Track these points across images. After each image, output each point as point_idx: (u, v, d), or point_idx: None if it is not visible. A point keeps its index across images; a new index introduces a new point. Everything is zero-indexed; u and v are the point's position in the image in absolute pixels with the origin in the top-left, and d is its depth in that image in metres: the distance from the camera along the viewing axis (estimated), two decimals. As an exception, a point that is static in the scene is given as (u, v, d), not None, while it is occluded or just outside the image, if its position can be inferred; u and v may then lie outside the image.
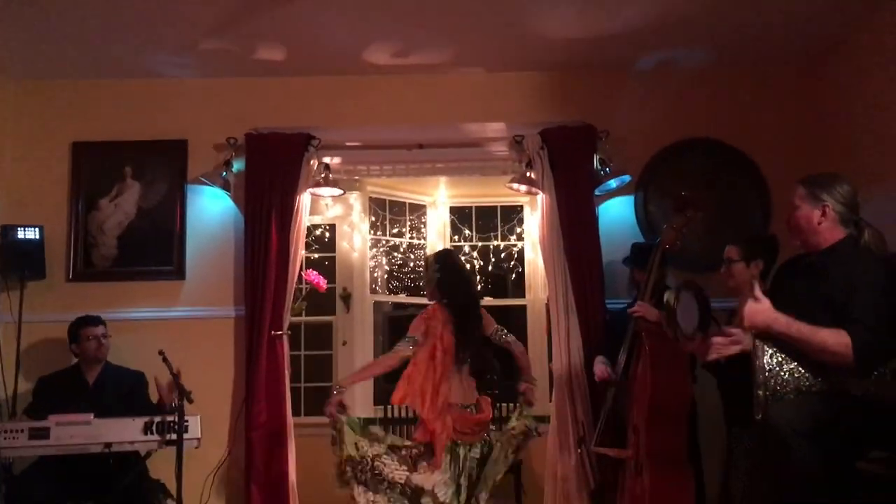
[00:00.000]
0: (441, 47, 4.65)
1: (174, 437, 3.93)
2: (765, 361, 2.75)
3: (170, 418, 3.96)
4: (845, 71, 4.61)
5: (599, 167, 4.78)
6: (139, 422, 3.98)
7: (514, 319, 5.48)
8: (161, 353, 4.04)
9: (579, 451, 4.41)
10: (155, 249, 4.94)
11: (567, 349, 4.63)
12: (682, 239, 3.87)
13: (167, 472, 4.05)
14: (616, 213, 4.91)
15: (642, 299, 3.86)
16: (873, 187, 3.96)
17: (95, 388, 4.35)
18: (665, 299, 3.09)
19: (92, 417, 3.93)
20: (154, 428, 3.98)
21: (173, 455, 3.90)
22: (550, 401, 4.84)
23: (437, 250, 4.58)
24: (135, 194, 4.98)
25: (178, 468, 3.87)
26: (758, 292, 2.72)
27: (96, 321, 4.43)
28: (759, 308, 2.70)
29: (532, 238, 5.54)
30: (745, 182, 4.86)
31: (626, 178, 4.81)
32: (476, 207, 5.84)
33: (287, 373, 4.76)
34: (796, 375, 2.74)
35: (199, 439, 4.06)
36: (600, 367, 4.12)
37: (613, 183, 4.79)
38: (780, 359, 2.76)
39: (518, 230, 5.78)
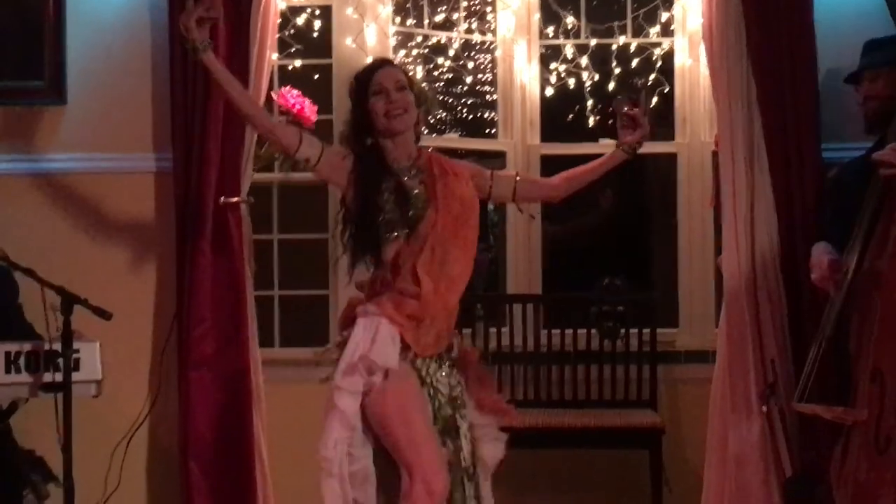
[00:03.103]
0: None
1: (58, 378, 3.99)
2: None
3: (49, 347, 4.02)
4: None
5: None
6: (-5, 350, 4.06)
7: (657, 177, 5.33)
8: None
9: (766, 409, 4.49)
10: (12, 51, 5.02)
11: (750, 232, 4.71)
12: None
13: (47, 438, 4.17)
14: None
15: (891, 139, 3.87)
16: None
17: None
18: None
19: None
20: (22, 362, 4.07)
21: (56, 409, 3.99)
22: (716, 326, 4.98)
23: None
24: (-29, -51, 4.98)
25: (66, 431, 3.98)
26: None
27: None
28: None
29: (689, 32, 5.53)
30: None
31: (870, -85, 4.75)
32: (586, -23, 5.73)
33: (249, 271, 4.94)
34: None
35: (98, 382, 4.18)
36: (824, 260, 4.14)
37: (843, -73, 4.78)
38: None
39: (663, 17, 5.70)
